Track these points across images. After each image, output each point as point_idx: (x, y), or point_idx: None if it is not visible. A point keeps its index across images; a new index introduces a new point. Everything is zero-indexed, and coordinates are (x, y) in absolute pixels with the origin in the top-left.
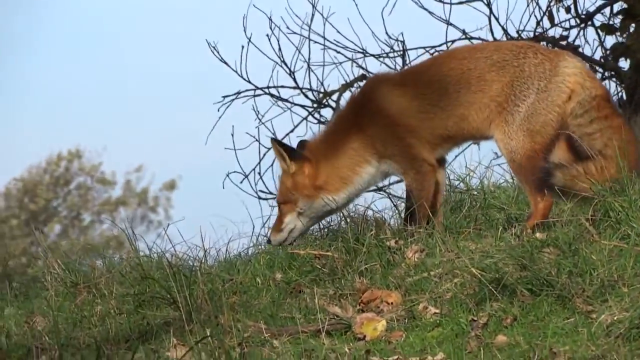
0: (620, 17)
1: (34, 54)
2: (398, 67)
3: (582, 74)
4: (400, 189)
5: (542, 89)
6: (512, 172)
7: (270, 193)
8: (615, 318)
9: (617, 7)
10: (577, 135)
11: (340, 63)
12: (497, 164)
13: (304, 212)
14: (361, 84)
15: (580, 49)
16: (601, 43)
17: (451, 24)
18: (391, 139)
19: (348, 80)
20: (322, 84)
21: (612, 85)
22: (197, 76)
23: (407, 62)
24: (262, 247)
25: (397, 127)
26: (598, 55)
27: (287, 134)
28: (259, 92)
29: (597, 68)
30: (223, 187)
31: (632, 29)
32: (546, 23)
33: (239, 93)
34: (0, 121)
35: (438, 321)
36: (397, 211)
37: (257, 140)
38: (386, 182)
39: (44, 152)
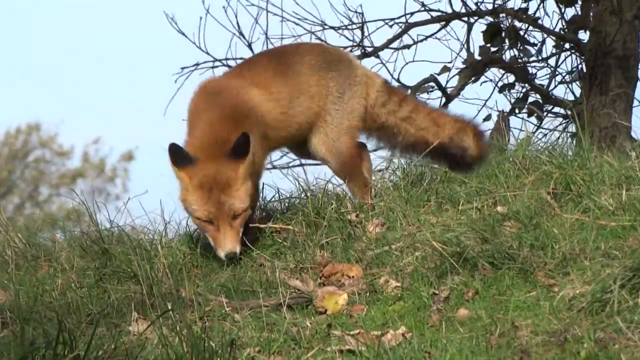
0: None
1: None
2: (357, 40)
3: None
4: None
5: (352, 84)
6: (337, 173)
7: None
8: (577, 292)
9: None
10: (392, 123)
11: (300, 36)
12: None
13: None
14: None
15: (540, 21)
16: (561, 15)
17: None
18: None
19: None
20: None
21: (572, 58)
22: (155, 48)
23: (367, 34)
24: None
25: None
26: (558, 27)
27: None
28: (217, 63)
29: (557, 40)
30: None
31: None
32: None
33: (197, 65)
34: None
35: (399, 295)
36: None
37: None
38: None
39: (1, 125)
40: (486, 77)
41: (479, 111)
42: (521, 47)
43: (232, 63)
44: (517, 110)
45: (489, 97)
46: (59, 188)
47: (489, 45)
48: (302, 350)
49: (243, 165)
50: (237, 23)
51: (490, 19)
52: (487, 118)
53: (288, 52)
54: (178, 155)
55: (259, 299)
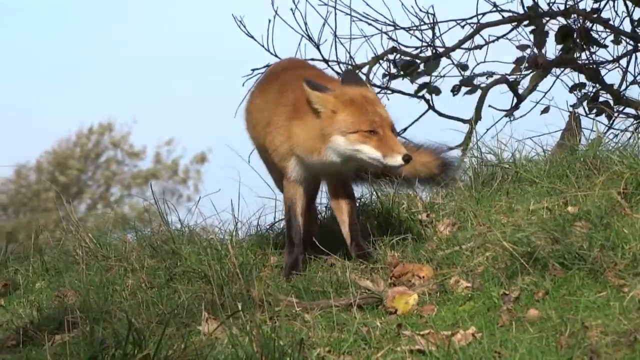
0: None
1: (66, 29)
2: (428, 40)
3: None
4: None
5: None
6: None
7: None
8: None
9: None
10: None
11: (371, 36)
12: (528, 137)
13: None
14: (391, 56)
15: (610, 22)
16: (629, 15)
17: None
18: None
19: (377, 53)
20: (351, 57)
21: None
22: (225, 50)
23: (438, 34)
24: None
25: None
26: (628, 27)
27: None
28: None
29: (627, 40)
30: (249, 162)
31: None
32: None
33: (267, 66)
34: (31, 94)
35: (470, 295)
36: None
37: None
38: None
39: (74, 125)
40: (554, 75)
41: (560, 117)
42: (595, 48)
43: None
44: (587, 110)
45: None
46: (130, 189)
47: (561, 46)
48: (372, 350)
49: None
50: (305, 24)
51: (562, 20)
52: (546, 110)
53: None
54: (314, 85)
55: (329, 299)
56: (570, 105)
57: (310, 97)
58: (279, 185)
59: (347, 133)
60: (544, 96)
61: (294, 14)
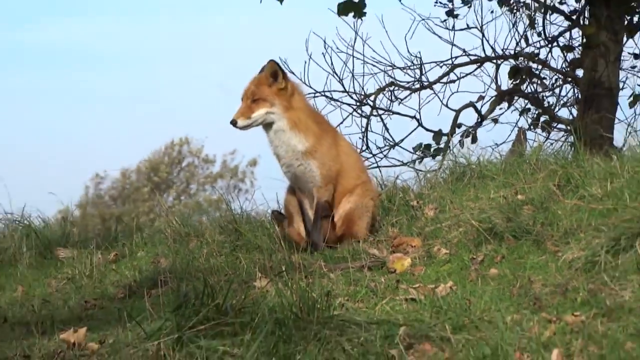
0: (579, 42)
1: (145, 68)
2: (417, 76)
3: None
4: (421, 164)
5: None
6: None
7: None
8: (575, 256)
9: (575, 32)
10: None
11: (376, 74)
12: (489, 146)
13: (270, 114)
14: (391, 88)
15: (548, 62)
16: (564, 58)
17: (455, 45)
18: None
19: (381, 86)
20: (362, 88)
21: (571, 89)
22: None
23: (424, 72)
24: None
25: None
26: (560, 66)
27: (338, 125)
28: (317, 94)
29: (560, 76)
30: None
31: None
32: (523, 44)
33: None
34: (130, 115)
35: (448, 259)
36: (417, 180)
37: None
38: (412, 158)
39: (163, 139)
40: (512, 104)
41: (512, 131)
42: (536, 81)
43: (327, 94)
44: (532, 127)
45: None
46: (204, 185)
47: (512, 80)
48: (378, 299)
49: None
50: (332, 65)
51: (513, 61)
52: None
53: None
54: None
55: (348, 263)
56: (519, 126)
57: None
58: None
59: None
60: (501, 114)
61: (324, 56)
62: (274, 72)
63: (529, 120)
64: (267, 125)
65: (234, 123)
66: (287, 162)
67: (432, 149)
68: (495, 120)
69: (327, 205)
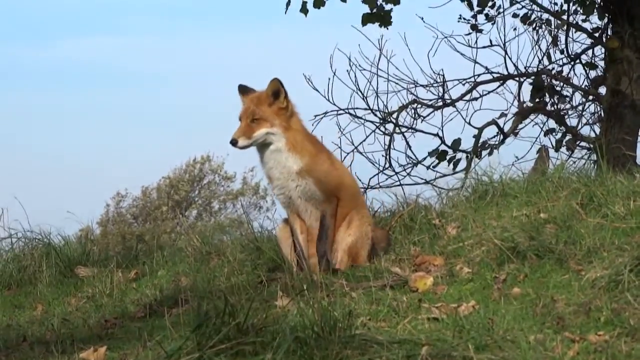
0: (602, 59)
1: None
2: (439, 94)
3: None
4: (443, 182)
5: None
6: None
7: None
8: (598, 275)
9: (597, 49)
10: None
11: (399, 91)
12: (511, 164)
13: (270, 134)
14: (414, 106)
15: (571, 80)
16: (587, 75)
17: (477, 62)
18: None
19: (404, 103)
20: (385, 106)
21: (595, 106)
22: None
23: (447, 90)
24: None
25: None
26: (584, 84)
27: (361, 143)
28: (341, 112)
29: (583, 94)
30: None
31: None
32: (545, 61)
33: (326, 113)
34: (151, 135)
35: (470, 278)
36: (440, 198)
37: (339, 147)
38: (432, 176)
39: (183, 157)
40: (533, 120)
41: (532, 145)
42: (558, 99)
43: (351, 112)
44: (556, 149)
45: (537, 136)
46: (225, 203)
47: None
48: (400, 318)
49: None
50: (356, 82)
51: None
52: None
53: None
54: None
55: (369, 282)
56: (543, 146)
57: None
58: None
59: None
60: (523, 128)
61: (349, 74)
62: (276, 91)
63: (553, 142)
64: (264, 145)
65: (234, 143)
66: (280, 183)
67: (447, 157)
68: (516, 134)
69: (333, 220)
